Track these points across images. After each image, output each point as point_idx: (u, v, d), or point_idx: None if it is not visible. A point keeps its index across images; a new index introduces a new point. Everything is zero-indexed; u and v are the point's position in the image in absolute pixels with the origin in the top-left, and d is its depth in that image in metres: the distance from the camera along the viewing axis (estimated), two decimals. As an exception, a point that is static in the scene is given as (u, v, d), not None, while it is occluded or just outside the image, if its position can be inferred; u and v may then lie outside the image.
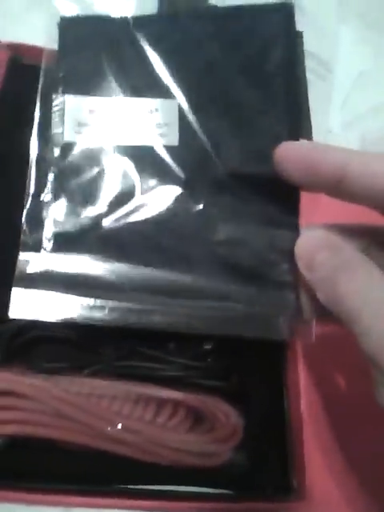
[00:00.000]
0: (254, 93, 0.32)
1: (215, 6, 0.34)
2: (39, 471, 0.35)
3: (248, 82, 0.33)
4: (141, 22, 0.34)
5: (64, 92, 0.33)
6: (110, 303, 0.31)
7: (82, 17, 0.35)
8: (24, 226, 0.32)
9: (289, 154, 0.28)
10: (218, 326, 0.31)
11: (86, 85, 0.34)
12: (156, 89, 0.34)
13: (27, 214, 0.33)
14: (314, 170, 0.27)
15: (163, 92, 0.33)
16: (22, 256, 0.32)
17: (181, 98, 0.33)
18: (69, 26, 0.35)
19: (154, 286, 0.31)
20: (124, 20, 0.34)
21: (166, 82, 0.34)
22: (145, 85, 0.34)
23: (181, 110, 0.33)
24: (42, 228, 0.32)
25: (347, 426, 0.35)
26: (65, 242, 0.32)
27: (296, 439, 0.35)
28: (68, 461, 0.35)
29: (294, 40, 0.32)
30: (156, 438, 0.34)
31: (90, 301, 0.31)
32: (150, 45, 0.34)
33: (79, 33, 0.35)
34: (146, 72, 0.34)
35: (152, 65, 0.34)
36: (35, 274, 0.31)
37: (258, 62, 0.33)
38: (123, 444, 0.34)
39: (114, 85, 0.34)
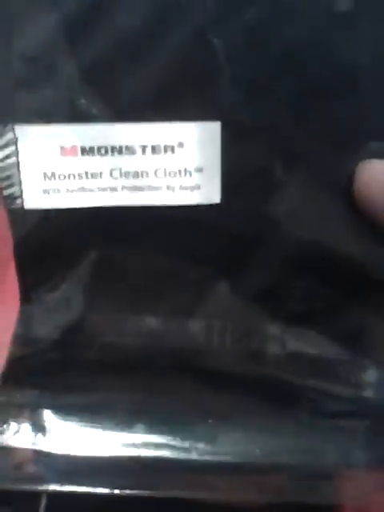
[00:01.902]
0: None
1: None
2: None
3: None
4: None
5: (11, 118, 0.18)
6: None
7: None
8: None
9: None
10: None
11: (53, 99, 0.18)
12: (184, 99, 0.18)
13: None
14: None
15: (197, 105, 0.18)
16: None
17: (229, 116, 0.18)
18: None
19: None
20: None
21: (205, 85, 0.18)
22: (162, 91, 0.18)
23: (226, 139, 0.18)
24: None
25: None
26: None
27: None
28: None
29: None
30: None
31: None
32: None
33: None
34: (165, 63, 0.18)
35: (181, 46, 0.18)
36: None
37: None
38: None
39: (104, 95, 0.18)
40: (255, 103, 0.18)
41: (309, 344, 0.21)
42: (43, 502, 0.26)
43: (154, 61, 0.18)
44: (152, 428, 0.21)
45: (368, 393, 0.21)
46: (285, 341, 0.21)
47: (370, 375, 0.21)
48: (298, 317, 0.21)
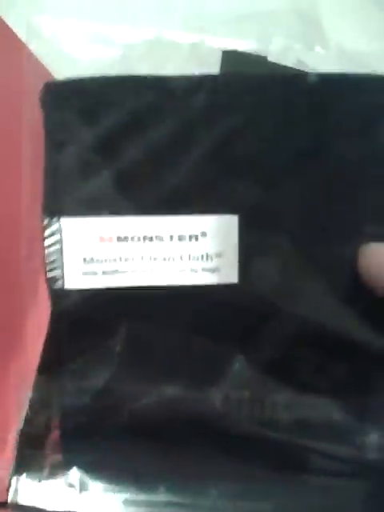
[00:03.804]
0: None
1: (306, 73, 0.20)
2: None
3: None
4: (180, 84, 0.21)
5: (57, 212, 0.22)
6: None
7: (83, 79, 0.21)
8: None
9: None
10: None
11: (93, 196, 0.22)
12: (206, 196, 0.21)
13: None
14: None
15: (217, 201, 0.21)
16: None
17: (246, 210, 0.21)
18: (59, 96, 0.21)
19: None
20: (158, 81, 0.21)
21: (224, 184, 0.21)
22: (187, 188, 0.21)
23: (243, 229, 0.21)
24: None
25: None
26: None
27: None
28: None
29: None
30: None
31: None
32: (205, 116, 0.21)
33: (77, 104, 0.21)
34: (189, 166, 0.21)
35: (203, 152, 0.21)
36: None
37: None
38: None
39: (137, 193, 0.21)
40: (268, 199, 0.21)
41: (317, 410, 0.23)
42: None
43: (180, 167, 0.21)
44: (172, 491, 0.22)
45: (372, 455, 0.23)
46: (294, 408, 0.23)
47: (373, 439, 0.23)
48: (307, 386, 0.23)
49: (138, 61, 0.20)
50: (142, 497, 0.22)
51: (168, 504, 0.22)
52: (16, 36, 0.24)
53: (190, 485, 0.23)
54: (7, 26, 0.24)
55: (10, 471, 0.23)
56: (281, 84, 0.20)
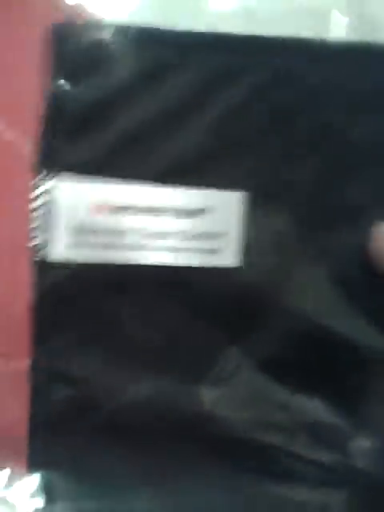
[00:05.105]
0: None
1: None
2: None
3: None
4: (206, 40, 0.20)
5: (50, 172, 0.20)
6: None
7: (91, 23, 0.19)
8: None
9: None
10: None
11: (90, 159, 0.20)
12: (211, 169, 0.20)
13: None
14: None
15: (223, 175, 0.20)
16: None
17: (251, 186, 0.20)
18: (67, 40, 0.19)
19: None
20: (168, 35, 0.20)
21: (231, 158, 0.20)
22: (192, 160, 0.20)
23: (248, 207, 0.20)
24: None
25: None
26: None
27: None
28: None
29: None
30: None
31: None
32: (217, 80, 0.20)
33: (89, 51, 0.19)
34: (196, 136, 0.20)
35: (212, 122, 0.20)
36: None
37: None
38: None
39: (137, 160, 0.20)
40: (277, 177, 0.20)
41: (308, 413, 0.21)
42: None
43: (188, 133, 0.19)
44: (153, 499, 0.20)
45: (360, 462, 0.21)
46: (289, 408, 0.21)
47: (364, 444, 0.21)
48: (302, 385, 0.21)
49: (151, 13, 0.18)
50: (121, 505, 0.20)
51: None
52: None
53: (172, 493, 0.20)
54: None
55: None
56: (297, 53, 0.19)
